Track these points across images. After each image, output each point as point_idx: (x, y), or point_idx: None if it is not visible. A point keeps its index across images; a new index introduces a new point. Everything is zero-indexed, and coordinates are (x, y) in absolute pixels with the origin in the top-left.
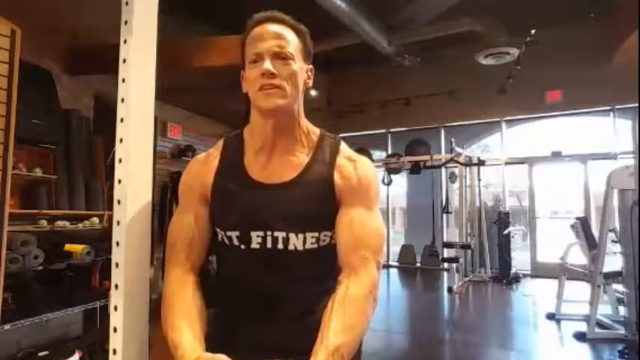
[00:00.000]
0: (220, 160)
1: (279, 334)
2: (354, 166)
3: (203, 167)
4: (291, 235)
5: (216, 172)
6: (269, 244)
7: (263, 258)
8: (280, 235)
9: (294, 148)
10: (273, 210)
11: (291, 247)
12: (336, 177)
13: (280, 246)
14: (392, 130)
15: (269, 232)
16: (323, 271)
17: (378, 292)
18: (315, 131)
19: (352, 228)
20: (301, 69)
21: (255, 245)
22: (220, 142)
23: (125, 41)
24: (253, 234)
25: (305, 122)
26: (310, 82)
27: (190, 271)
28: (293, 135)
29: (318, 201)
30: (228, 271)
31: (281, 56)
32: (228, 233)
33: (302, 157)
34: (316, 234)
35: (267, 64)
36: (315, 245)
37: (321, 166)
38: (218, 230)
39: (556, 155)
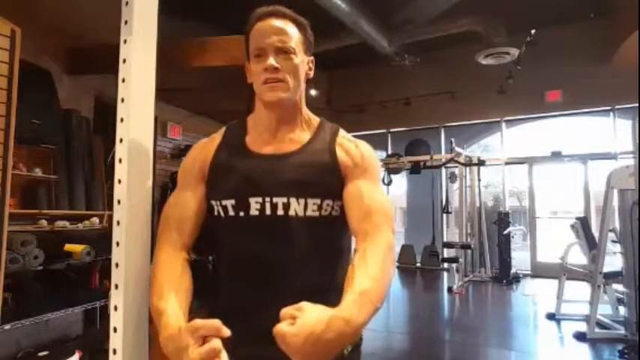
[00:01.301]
0: (222, 140)
1: (282, 307)
2: (354, 145)
3: (204, 149)
4: (292, 200)
5: (216, 149)
6: (268, 211)
7: (263, 226)
8: (280, 200)
9: (296, 131)
10: (273, 177)
11: (291, 212)
12: (339, 151)
13: (280, 212)
14: (392, 130)
15: (268, 198)
16: (325, 244)
17: (395, 255)
18: (316, 118)
19: (362, 199)
20: (303, 62)
21: (254, 212)
22: (223, 128)
23: (125, 41)
24: (252, 200)
25: (305, 110)
26: (311, 73)
27: (182, 249)
28: (295, 122)
29: (320, 169)
30: (227, 246)
31: (283, 51)
32: (224, 202)
33: (303, 136)
34: (318, 201)
35: (271, 60)
36: (317, 213)
37: (321, 142)
38: (214, 203)
39: (556, 155)
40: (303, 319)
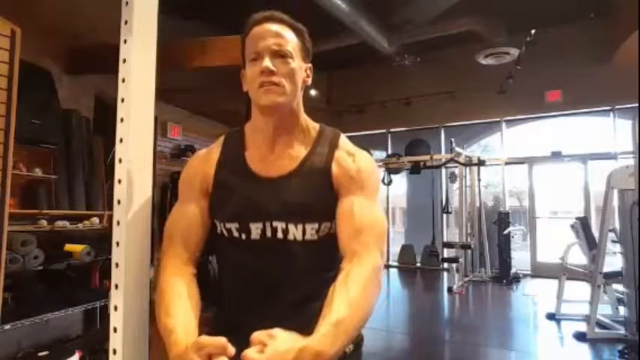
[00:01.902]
0: (221, 153)
1: (281, 322)
2: (352, 159)
3: (204, 161)
4: (290, 226)
5: (217, 164)
6: (269, 234)
7: (263, 247)
8: (279, 225)
9: (294, 143)
10: (272, 201)
11: (290, 237)
12: (334, 168)
13: (280, 235)
14: (392, 130)
15: (268, 223)
16: (325, 261)
17: (382, 278)
18: (315, 126)
19: (353, 216)
20: (300, 67)
21: (255, 236)
22: (221, 139)
23: (125, 41)
24: (252, 225)
25: (304, 118)
26: (309, 80)
27: (187, 262)
28: (293, 131)
29: (315, 191)
30: (229, 263)
31: (280, 54)
32: (228, 225)
33: (301, 151)
34: (316, 225)
35: (267, 62)
36: (315, 237)
37: (319, 158)
38: (217, 223)
39: (556, 155)
40: (274, 347)
